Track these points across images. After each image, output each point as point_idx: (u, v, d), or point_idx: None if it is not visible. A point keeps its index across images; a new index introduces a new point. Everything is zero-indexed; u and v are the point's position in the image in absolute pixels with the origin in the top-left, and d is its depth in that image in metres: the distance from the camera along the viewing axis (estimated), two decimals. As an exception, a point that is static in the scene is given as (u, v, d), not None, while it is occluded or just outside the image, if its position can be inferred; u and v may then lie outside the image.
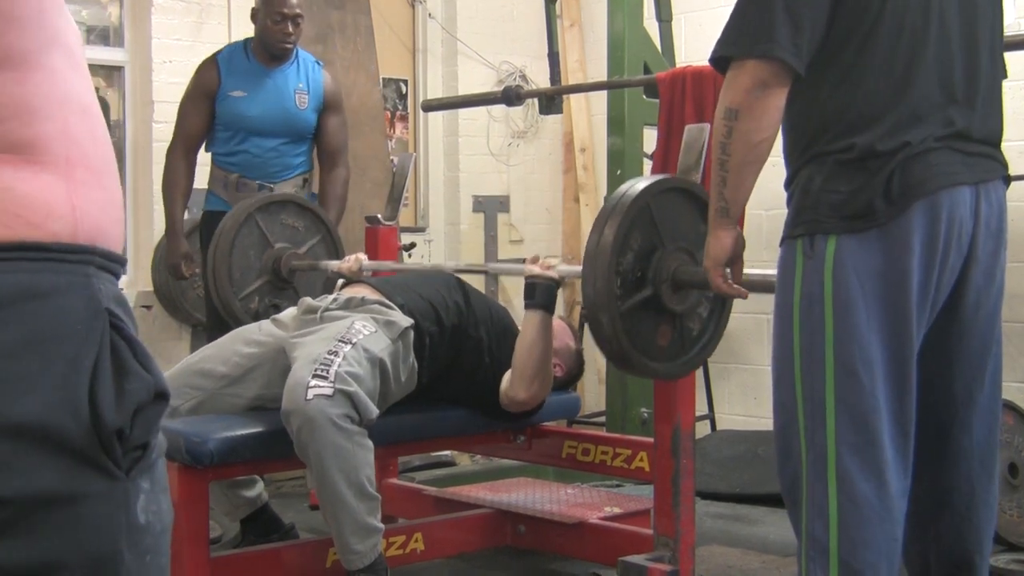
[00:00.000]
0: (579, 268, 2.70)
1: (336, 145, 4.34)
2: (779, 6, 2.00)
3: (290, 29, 4.20)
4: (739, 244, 2.21)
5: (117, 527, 1.02)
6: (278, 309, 3.75)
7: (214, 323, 4.07)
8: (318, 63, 4.39)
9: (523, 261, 5.55)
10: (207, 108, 4.21)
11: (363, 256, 3.70)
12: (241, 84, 4.21)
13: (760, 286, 2.34)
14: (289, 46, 4.23)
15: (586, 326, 5.63)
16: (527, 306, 3.17)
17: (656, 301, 2.58)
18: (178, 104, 4.27)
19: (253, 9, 4.28)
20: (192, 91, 4.25)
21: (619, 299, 2.52)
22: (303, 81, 4.30)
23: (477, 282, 5.63)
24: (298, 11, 4.21)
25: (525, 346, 3.16)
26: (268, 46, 4.21)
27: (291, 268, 3.85)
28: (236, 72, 4.23)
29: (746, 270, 2.27)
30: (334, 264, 3.73)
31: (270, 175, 4.24)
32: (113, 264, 1.04)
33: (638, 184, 2.60)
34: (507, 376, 3.25)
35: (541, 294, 3.14)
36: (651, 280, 2.58)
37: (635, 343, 2.56)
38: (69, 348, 0.98)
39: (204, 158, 4.29)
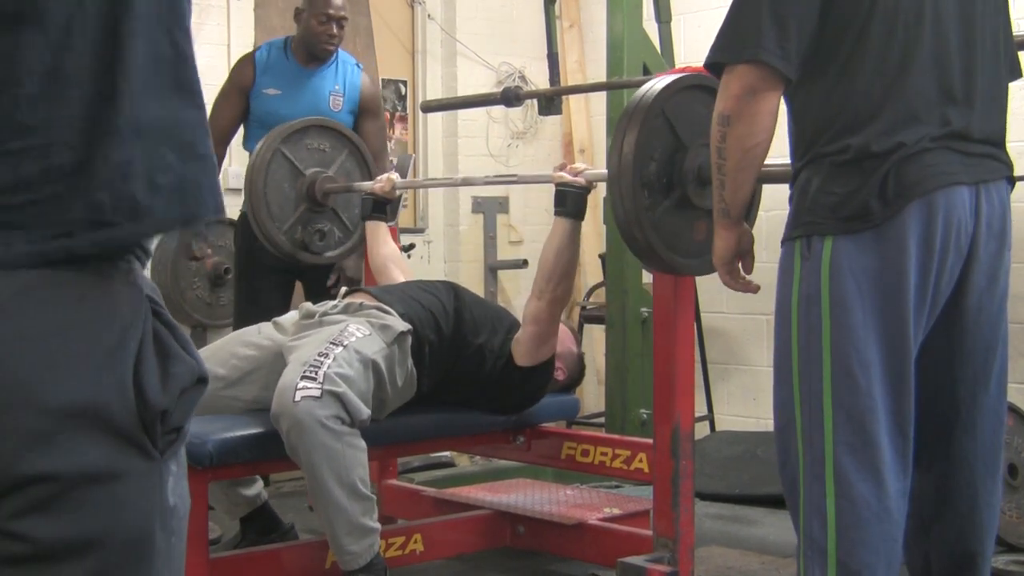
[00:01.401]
0: (606, 171, 2.72)
1: (375, 149, 4.36)
2: (766, 11, 2.00)
3: (334, 30, 4.22)
4: (745, 241, 2.22)
5: (152, 507, 1.04)
6: (323, 235, 3.90)
7: (242, 312, 4.13)
8: (358, 66, 4.41)
9: (523, 263, 5.61)
10: (240, 103, 4.26)
11: (396, 175, 3.77)
12: (276, 82, 4.25)
13: (779, 176, 2.31)
14: (331, 48, 4.25)
15: (584, 329, 5.62)
16: (557, 213, 3.15)
17: (686, 201, 2.61)
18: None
19: (297, 8, 4.30)
20: (227, 85, 4.31)
21: (648, 210, 2.55)
22: (339, 83, 4.31)
23: (477, 282, 5.63)
24: (343, 13, 4.23)
25: (553, 250, 3.15)
26: (310, 46, 4.23)
27: (325, 192, 3.90)
28: (272, 70, 4.26)
29: (769, 161, 2.22)
30: (367, 185, 3.80)
31: None
32: (145, 255, 1.07)
33: (651, 89, 2.60)
34: (524, 315, 3.25)
35: (573, 202, 3.12)
36: (677, 182, 2.60)
37: (674, 248, 2.61)
38: (116, 330, 1.01)
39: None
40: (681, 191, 2.62)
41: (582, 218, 3.17)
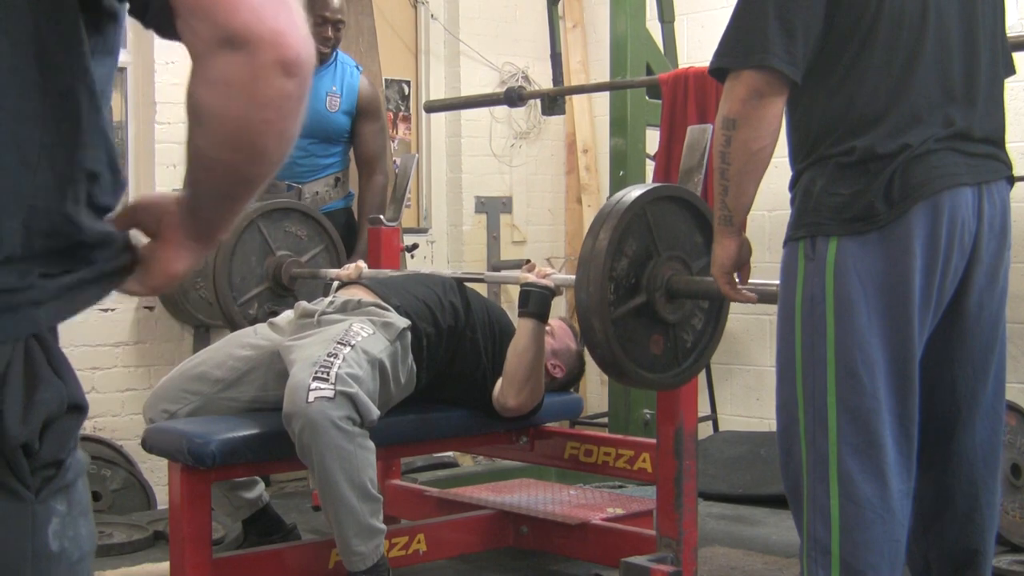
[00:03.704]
0: (573, 277, 2.70)
1: (373, 152, 4.35)
2: (772, 15, 2.00)
3: (330, 33, 4.22)
4: (744, 250, 2.22)
5: (21, 554, 0.92)
6: (276, 316, 3.75)
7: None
8: (357, 68, 4.41)
9: (525, 263, 5.60)
10: None
11: (362, 264, 3.72)
12: None
13: (766, 296, 2.33)
14: (327, 50, 4.24)
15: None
16: (521, 314, 3.19)
17: (649, 309, 2.58)
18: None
19: None
20: None
21: (612, 305, 2.52)
22: (337, 84, 4.31)
23: (478, 283, 5.63)
24: (340, 16, 4.23)
25: (517, 352, 3.18)
26: None
27: (292, 276, 3.85)
28: None
29: (752, 280, 2.28)
30: (333, 272, 3.73)
31: (298, 175, 4.26)
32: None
33: (634, 191, 2.60)
34: (499, 382, 3.26)
35: (535, 302, 3.17)
36: (645, 287, 2.58)
37: (627, 351, 2.56)
38: None
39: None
40: (647, 297, 2.57)
41: (545, 320, 3.20)
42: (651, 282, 2.57)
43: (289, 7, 0.98)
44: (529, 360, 3.17)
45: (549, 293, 3.17)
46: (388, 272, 3.82)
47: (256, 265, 3.85)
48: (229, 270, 3.78)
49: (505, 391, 3.22)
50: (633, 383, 2.68)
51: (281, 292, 3.88)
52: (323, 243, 4.00)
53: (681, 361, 2.68)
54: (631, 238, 2.56)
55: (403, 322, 3.13)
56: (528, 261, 3.29)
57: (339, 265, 3.95)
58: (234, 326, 3.74)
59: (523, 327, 3.18)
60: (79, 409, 0.98)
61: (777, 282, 2.20)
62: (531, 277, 3.18)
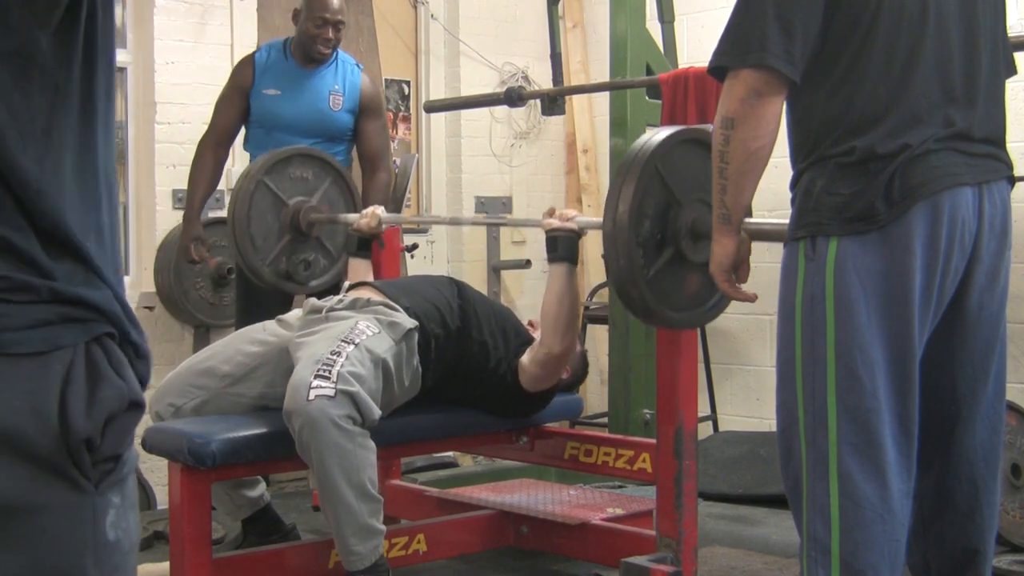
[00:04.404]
0: (599, 220, 2.73)
1: (376, 149, 4.36)
2: (771, 14, 2.01)
3: (330, 34, 4.23)
4: (743, 249, 2.22)
5: (82, 543, 0.97)
6: (307, 264, 3.89)
7: (244, 312, 4.15)
8: (358, 66, 4.42)
9: (526, 263, 5.60)
10: (240, 104, 4.28)
11: (380, 210, 3.75)
12: (275, 83, 4.26)
13: (772, 235, 2.32)
14: (326, 51, 4.26)
15: (587, 328, 5.61)
16: (551, 259, 3.17)
17: (679, 257, 2.64)
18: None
19: (296, 10, 4.32)
20: (227, 87, 4.33)
21: (644, 268, 2.56)
22: (339, 83, 4.32)
23: (480, 282, 5.63)
24: (340, 17, 4.24)
25: (554, 299, 3.16)
26: (306, 49, 4.25)
27: (310, 222, 3.89)
28: (272, 70, 4.28)
29: (759, 219, 2.26)
30: (352, 218, 3.78)
31: None
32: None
33: (645, 144, 2.61)
34: (532, 347, 3.25)
35: (564, 246, 3.14)
36: (671, 239, 2.63)
37: (666, 302, 2.64)
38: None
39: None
40: (675, 247, 2.63)
41: (575, 262, 3.17)
42: (675, 233, 2.62)
43: None
44: (568, 304, 3.15)
45: (576, 236, 3.15)
46: (407, 217, 3.90)
47: (273, 221, 3.88)
48: (249, 235, 3.82)
49: (548, 340, 3.18)
50: (674, 327, 2.80)
51: (302, 239, 3.92)
52: (330, 176, 4.02)
53: (716, 291, 2.70)
54: (649, 197, 2.59)
55: (410, 323, 3.12)
56: (552, 209, 3.25)
57: (350, 194, 4.02)
58: (272, 288, 3.83)
59: (557, 272, 3.15)
60: (138, 406, 1.03)
61: (778, 220, 2.20)
62: (555, 223, 3.16)
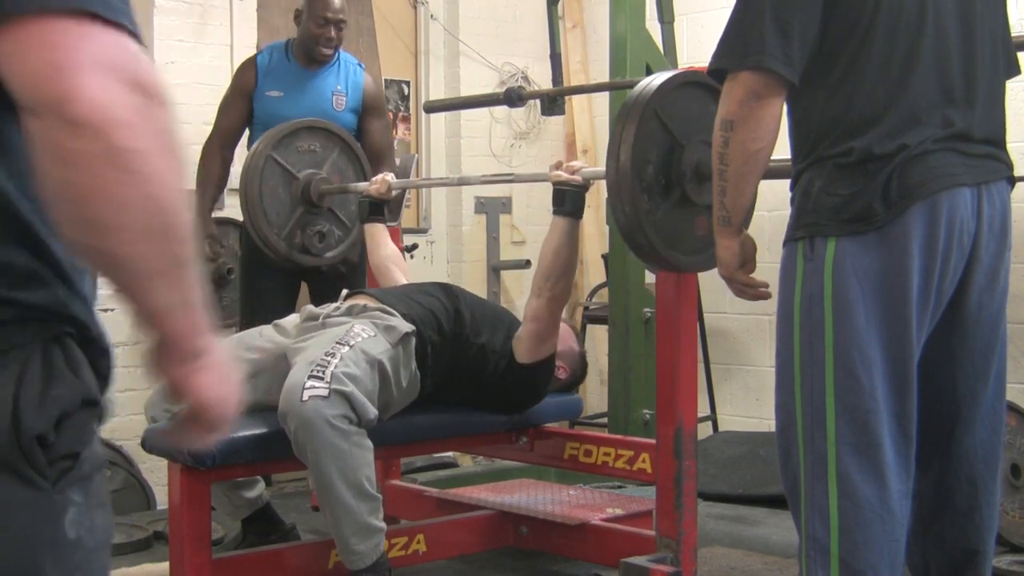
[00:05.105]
0: (603, 170, 2.73)
1: (379, 147, 4.38)
2: (769, 16, 2.01)
3: (332, 34, 4.24)
4: (747, 248, 2.22)
5: (38, 540, 0.96)
6: (322, 236, 3.93)
7: (247, 313, 4.18)
8: (360, 65, 4.43)
9: (526, 263, 5.60)
10: (244, 106, 4.30)
11: (391, 176, 3.79)
12: (278, 84, 4.28)
13: (780, 172, 2.31)
14: (328, 51, 4.27)
15: (587, 329, 5.60)
16: (556, 212, 3.15)
17: (685, 199, 2.64)
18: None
19: (297, 10, 4.33)
20: (230, 90, 4.35)
21: (649, 213, 2.58)
22: (342, 83, 4.34)
23: (480, 283, 5.63)
24: (341, 16, 4.25)
25: (552, 249, 3.14)
26: (308, 49, 4.26)
27: (321, 193, 3.92)
28: (274, 72, 4.29)
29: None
30: (362, 186, 3.81)
31: None
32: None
33: (643, 90, 2.61)
34: (529, 296, 3.24)
35: (571, 200, 3.12)
36: (676, 182, 2.63)
37: (675, 246, 2.64)
38: None
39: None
40: (680, 190, 2.64)
41: (580, 216, 3.16)
42: (680, 176, 2.62)
43: (86, 56, 0.92)
44: (565, 257, 3.14)
45: (582, 189, 3.13)
46: (416, 181, 3.95)
47: (284, 195, 3.92)
48: (263, 210, 3.85)
49: (539, 287, 3.18)
50: (686, 271, 2.79)
51: (315, 211, 3.96)
52: (338, 145, 4.05)
53: None
54: (650, 142, 2.58)
55: (406, 327, 3.12)
56: (559, 163, 3.22)
57: (359, 162, 4.05)
58: (287, 261, 3.88)
59: (559, 225, 3.13)
60: (93, 404, 1.02)
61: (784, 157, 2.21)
62: (562, 175, 3.13)
